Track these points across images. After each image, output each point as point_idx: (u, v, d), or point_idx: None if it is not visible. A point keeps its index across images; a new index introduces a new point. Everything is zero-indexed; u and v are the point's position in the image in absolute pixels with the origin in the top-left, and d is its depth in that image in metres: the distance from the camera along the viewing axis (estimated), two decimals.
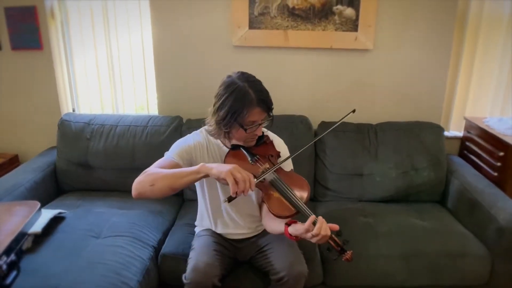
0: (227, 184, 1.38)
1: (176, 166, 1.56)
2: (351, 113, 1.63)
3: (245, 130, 1.53)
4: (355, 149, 2.41)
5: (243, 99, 1.49)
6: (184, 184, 1.46)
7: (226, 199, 1.42)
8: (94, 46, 2.71)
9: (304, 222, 1.39)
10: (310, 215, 1.41)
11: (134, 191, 1.49)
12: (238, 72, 1.57)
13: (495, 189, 2.14)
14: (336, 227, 1.40)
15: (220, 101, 1.52)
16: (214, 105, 1.56)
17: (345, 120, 2.44)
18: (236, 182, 1.37)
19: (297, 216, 1.48)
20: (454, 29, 2.49)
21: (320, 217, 1.38)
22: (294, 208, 1.46)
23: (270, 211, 1.49)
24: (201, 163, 1.46)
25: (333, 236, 1.39)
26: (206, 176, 1.45)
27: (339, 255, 1.41)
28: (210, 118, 1.61)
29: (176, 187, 1.46)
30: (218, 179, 1.42)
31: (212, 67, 2.59)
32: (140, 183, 1.48)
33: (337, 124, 1.68)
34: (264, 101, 1.52)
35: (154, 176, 1.46)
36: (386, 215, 2.19)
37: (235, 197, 1.40)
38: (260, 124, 1.56)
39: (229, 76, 1.56)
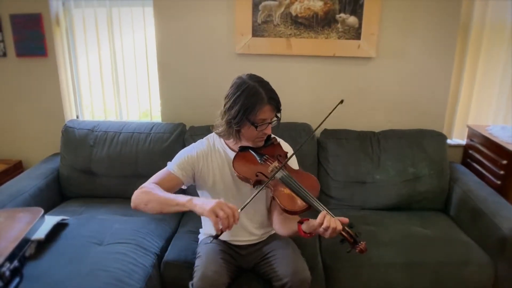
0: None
1: (174, 179, 1.65)
2: (340, 104, 1.63)
3: (256, 127, 1.56)
4: (358, 157, 2.41)
5: (254, 96, 1.53)
6: (172, 212, 1.53)
7: (213, 238, 1.42)
8: (98, 53, 2.73)
9: (316, 219, 1.43)
10: (321, 209, 1.44)
11: (132, 204, 1.59)
12: (248, 73, 1.61)
13: (499, 197, 2.14)
14: (346, 220, 1.42)
15: (231, 100, 1.56)
16: (224, 106, 1.60)
17: (347, 127, 2.50)
18: (220, 218, 1.36)
19: (309, 213, 1.50)
20: (457, 37, 2.50)
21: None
22: (306, 202, 1.48)
23: (282, 207, 1.50)
24: (189, 198, 1.47)
25: (345, 227, 1.41)
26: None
27: (352, 247, 1.42)
28: (219, 119, 1.64)
29: (165, 213, 1.57)
30: (202, 215, 1.41)
31: (215, 74, 2.60)
32: (137, 198, 1.57)
33: (328, 115, 1.66)
34: (274, 99, 1.57)
35: (149, 196, 1.54)
36: (389, 223, 2.18)
37: (221, 234, 1.39)
38: (269, 123, 1.59)
39: (239, 78, 1.60)
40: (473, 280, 1.91)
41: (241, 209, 1.44)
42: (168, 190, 1.62)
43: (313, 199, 1.48)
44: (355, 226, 1.44)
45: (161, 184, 1.63)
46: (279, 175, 1.56)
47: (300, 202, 1.50)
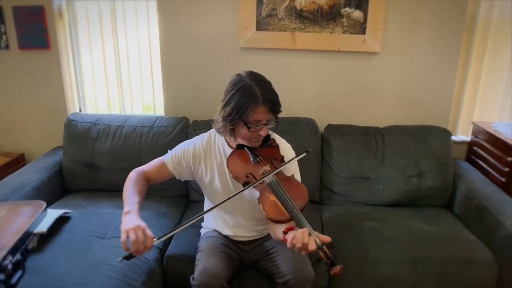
0: None
1: (165, 169, 1.73)
2: (305, 153, 1.62)
3: (249, 128, 1.53)
4: (362, 152, 2.39)
5: (248, 96, 1.49)
6: None
7: (122, 258, 1.41)
8: (102, 46, 2.71)
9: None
10: (302, 222, 1.37)
11: None
12: (248, 71, 1.58)
13: (503, 194, 2.12)
14: (327, 239, 1.33)
15: (227, 97, 1.54)
16: (222, 101, 1.58)
17: (352, 123, 2.48)
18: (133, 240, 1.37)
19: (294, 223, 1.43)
20: (463, 33, 2.47)
21: (305, 229, 1.33)
22: (288, 213, 1.43)
23: (264, 213, 1.48)
24: (128, 210, 1.50)
25: (324, 248, 1.32)
26: None
27: (328, 268, 1.32)
28: (217, 114, 1.62)
29: None
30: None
31: (219, 68, 2.58)
32: (126, 181, 1.68)
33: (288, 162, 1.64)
34: (270, 101, 1.51)
35: (125, 186, 1.66)
36: (393, 220, 2.17)
37: (130, 257, 1.40)
38: (264, 125, 1.55)
39: (238, 74, 1.57)
40: (477, 277, 1.90)
41: (158, 239, 1.45)
42: (157, 179, 1.72)
43: (296, 211, 1.41)
44: (335, 247, 1.34)
45: (151, 172, 1.72)
46: (267, 180, 1.53)
47: (282, 212, 1.45)
